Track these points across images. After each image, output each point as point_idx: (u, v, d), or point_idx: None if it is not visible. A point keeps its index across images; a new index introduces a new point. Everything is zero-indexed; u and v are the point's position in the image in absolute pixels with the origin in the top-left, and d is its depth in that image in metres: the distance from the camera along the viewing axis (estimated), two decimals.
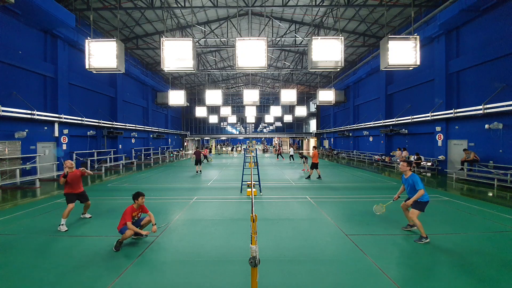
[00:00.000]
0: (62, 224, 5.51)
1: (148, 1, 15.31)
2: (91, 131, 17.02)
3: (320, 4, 15.65)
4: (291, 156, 23.62)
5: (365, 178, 13.11)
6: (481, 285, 3.42)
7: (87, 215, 6.42)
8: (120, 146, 20.16)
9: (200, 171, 15.29)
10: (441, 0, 13.90)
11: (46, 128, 13.16)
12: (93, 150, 16.99)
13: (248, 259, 2.42)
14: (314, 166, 12.50)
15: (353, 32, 20.30)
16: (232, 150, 40.96)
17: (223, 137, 47.56)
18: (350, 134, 26.47)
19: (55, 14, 11.60)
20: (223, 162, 23.10)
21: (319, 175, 12.68)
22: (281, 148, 31.04)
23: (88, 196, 6.29)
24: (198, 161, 15.19)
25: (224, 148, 47.32)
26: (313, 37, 9.20)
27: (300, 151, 25.55)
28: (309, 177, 12.73)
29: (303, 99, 37.37)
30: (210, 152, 28.52)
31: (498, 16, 11.18)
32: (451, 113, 12.95)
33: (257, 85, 38.69)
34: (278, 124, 42.95)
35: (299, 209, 7.24)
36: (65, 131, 14.26)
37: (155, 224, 4.90)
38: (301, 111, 25.39)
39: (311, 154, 13.22)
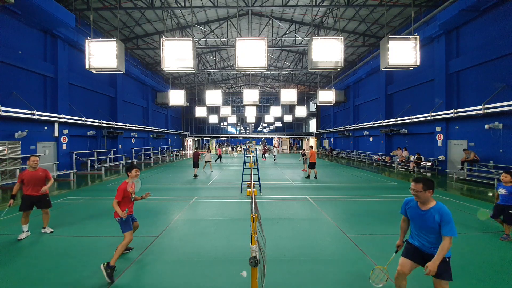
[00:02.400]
0: (24, 231, 4.98)
1: (148, 1, 15.31)
2: (91, 131, 17.02)
3: (320, 4, 15.65)
4: (274, 156, 24.33)
5: (365, 178, 13.11)
6: (481, 285, 3.42)
7: (48, 229, 5.32)
8: (120, 146, 20.16)
9: (206, 171, 14.15)
10: (441, 0, 13.90)
11: (46, 128, 13.16)
12: (93, 150, 16.98)
13: (248, 259, 2.42)
14: (312, 165, 12.61)
15: (353, 32, 20.30)
16: (232, 150, 40.47)
17: (223, 137, 47.56)
18: (350, 134, 26.47)
19: (55, 14, 11.59)
20: (223, 162, 23.09)
21: (315, 175, 12.76)
22: (265, 148, 31.47)
23: (50, 202, 5.34)
24: (195, 164, 13.62)
25: (224, 148, 47.24)
26: (313, 37, 9.21)
27: (301, 151, 25.57)
28: (308, 176, 12.80)
29: (303, 99, 37.36)
30: (209, 152, 28.19)
31: (498, 16, 11.17)
32: (451, 113, 12.95)
33: (257, 85, 38.68)
34: (278, 124, 42.95)
35: (299, 209, 7.24)
36: (65, 131, 14.25)
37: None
38: (301, 111, 25.41)
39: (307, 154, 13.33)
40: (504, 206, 4.71)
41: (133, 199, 4.15)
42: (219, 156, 23.14)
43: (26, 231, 5.04)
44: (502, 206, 4.76)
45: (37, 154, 5.35)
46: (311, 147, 14.16)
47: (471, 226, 5.70)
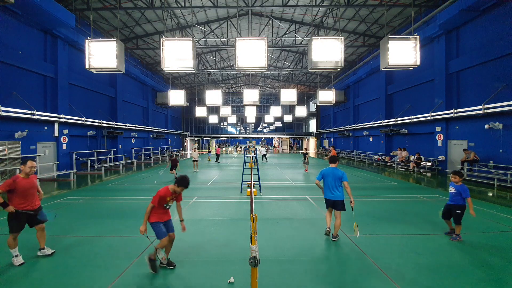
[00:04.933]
0: (16, 255, 3.89)
1: (148, 1, 15.31)
2: (91, 131, 17.02)
3: (320, 4, 15.65)
4: (263, 155, 23.92)
5: (365, 178, 13.11)
6: (481, 285, 3.42)
7: (47, 250, 4.20)
8: (120, 146, 20.16)
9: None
10: (441, 0, 13.90)
11: (46, 128, 13.16)
12: (93, 150, 16.97)
13: (248, 259, 2.42)
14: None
15: (353, 32, 20.30)
16: (243, 149, 38.97)
17: (223, 137, 47.55)
18: (350, 134, 26.48)
19: (55, 14, 11.59)
20: (223, 162, 23.08)
21: None
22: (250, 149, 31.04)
23: (45, 215, 4.11)
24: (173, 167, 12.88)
25: (224, 148, 47.09)
26: (313, 37, 9.21)
27: (303, 151, 25.26)
28: None
29: (303, 99, 37.35)
30: (209, 152, 28.14)
31: (498, 16, 11.18)
32: (451, 113, 12.95)
33: (257, 85, 38.67)
34: (278, 124, 42.93)
35: (299, 209, 7.25)
36: (65, 131, 14.25)
37: (183, 220, 4.02)
38: (301, 111, 25.42)
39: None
40: (452, 205, 4.92)
41: (168, 207, 3.82)
42: (217, 156, 23.07)
43: (18, 255, 3.93)
44: (450, 205, 4.97)
45: (34, 158, 4.28)
46: (333, 147, 13.39)
47: (471, 226, 5.70)
